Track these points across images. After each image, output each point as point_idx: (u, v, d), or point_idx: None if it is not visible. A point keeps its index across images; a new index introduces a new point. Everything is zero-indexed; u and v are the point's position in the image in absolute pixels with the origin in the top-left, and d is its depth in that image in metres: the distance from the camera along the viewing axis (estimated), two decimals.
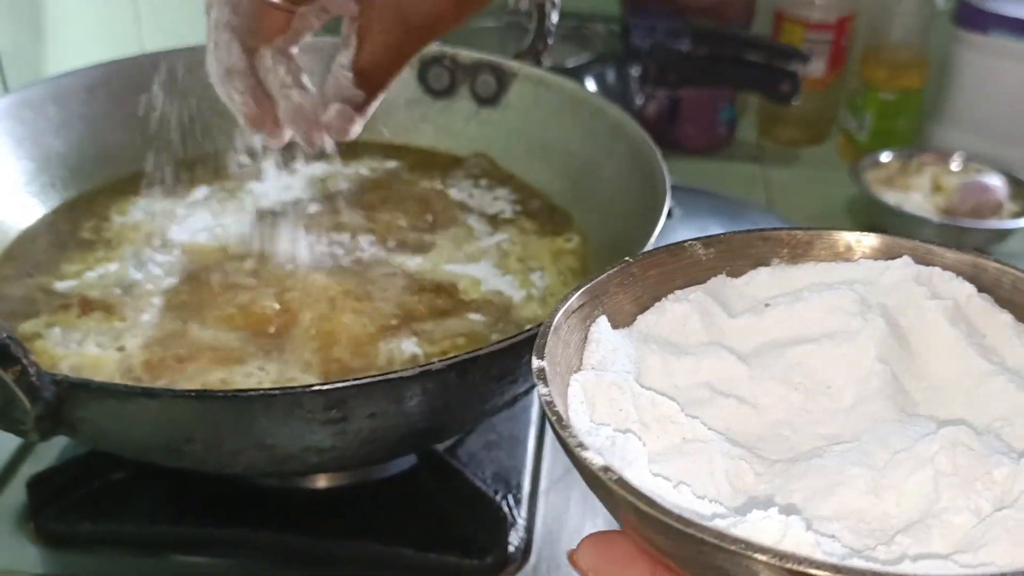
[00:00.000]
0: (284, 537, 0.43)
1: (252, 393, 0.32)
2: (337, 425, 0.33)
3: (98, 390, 0.32)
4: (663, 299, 0.26)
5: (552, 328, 0.23)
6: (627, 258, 0.26)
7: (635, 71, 1.05)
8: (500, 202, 0.53)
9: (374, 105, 0.39)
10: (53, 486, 0.43)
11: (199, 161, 0.55)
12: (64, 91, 0.52)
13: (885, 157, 1.05)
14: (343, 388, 0.32)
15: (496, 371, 0.35)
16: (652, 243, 0.40)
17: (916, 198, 0.97)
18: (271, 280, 0.45)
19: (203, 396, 0.32)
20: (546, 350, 0.22)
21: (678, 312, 0.26)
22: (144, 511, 0.43)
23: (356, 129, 0.38)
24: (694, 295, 0.26)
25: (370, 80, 0.37)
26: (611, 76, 1.04)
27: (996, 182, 0.96)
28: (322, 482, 0.45)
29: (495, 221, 0.51)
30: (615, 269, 0.26)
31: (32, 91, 0.51)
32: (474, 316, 0.43)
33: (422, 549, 0.42)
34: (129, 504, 0.44)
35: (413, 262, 0.47)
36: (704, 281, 0.27)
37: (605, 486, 0.19)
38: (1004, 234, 0.97)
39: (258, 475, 0.43)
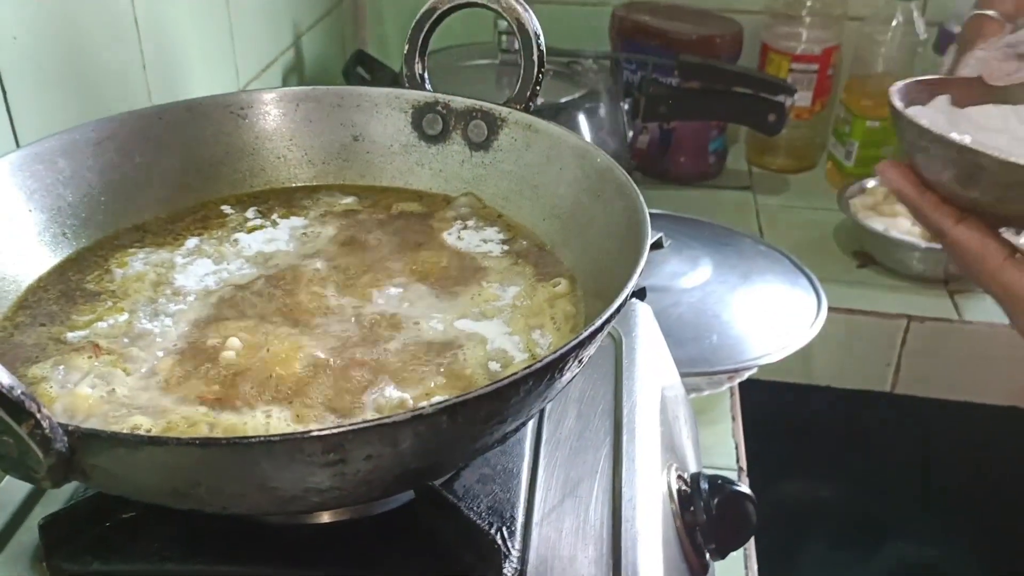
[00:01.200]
0: (289, 572, 0.44)
1: (253, 440, 0.33)
2: (336, 467, 0.35)
3: (108, 439, 0.34)
4: None
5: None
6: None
7: (626, 105, 1.07)
8: (489, 244, 0.55)
9: None
10: (65, 527, 0.45)
11: (188, 212, 0.58)
12: (73, 144, 0.54)
13: (871, 183, 1.08)
14: (341, 433, 0.33)
15: (484, 413, 0.37)
16: (634, 282, 0.42)
17: (903, 223, 1.00)
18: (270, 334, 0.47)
19: (207, 443, 0.34)
20: None
21: None
22: (153, 549, 0.45)
23: None
24: None
25: None
26: (602, 111, 1.07)
27: None
28: (324, 518, 0.46)
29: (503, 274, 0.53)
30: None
31: (43, 145, 0.53)
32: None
33: None
34: (139, 543, 0.45)
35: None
36: None
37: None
38: None
39: (262, 514, 0.44)
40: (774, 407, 1.01)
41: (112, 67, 0.71)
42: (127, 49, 0.73)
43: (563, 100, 1.04)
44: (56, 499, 0.48)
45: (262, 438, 0.33)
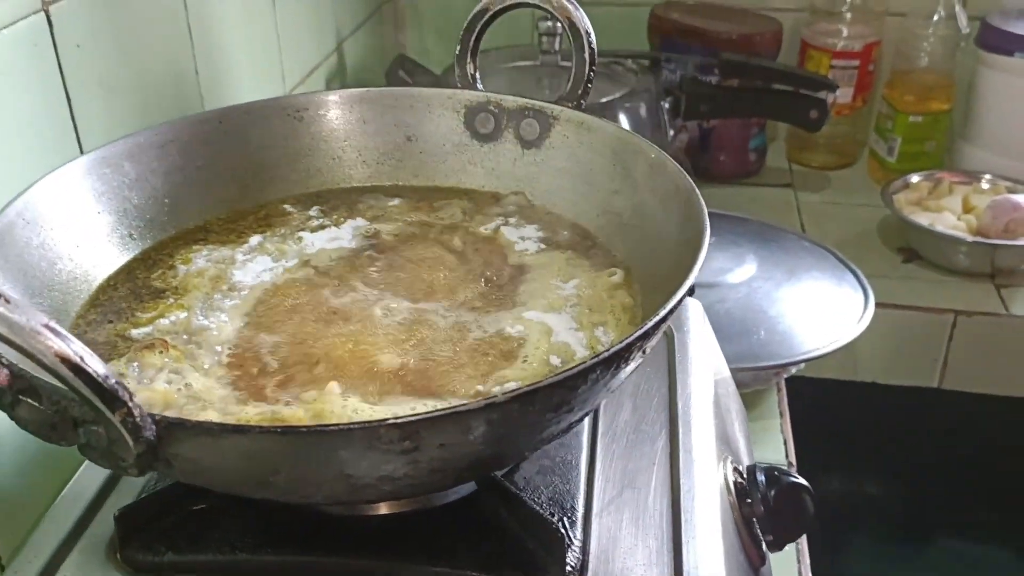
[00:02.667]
0: (359, 562, 0.45)
1: (333, 428, 0.34)
2: (410, 455, 0.36)
3: (193, 428, 0.35)
4: None
5: None
6: None
7: (666, 104, 1.08)
8: (527, 241, 0.56)
9: None
10: (139, 518, 0.46)
11: (251, 212, 0.59)
12: (138, 148, 0.56)
13: (915, 178, 1.07)
14: (417, 421, 0.34)
15: (555, 402, 0.37)
16: (694, 274, 0.43)
17: (948, 218, 0.99)
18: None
19: (288, 432, 0.35)
20: None
21: None
22: (224, 540, 0.46)
23: None
24: None
25: None
26: (643, 110, 1.07)
27: None
28: (393, 508, 0.47)
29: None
30: None
31: (109, 149, 0.55)
32: None
33: (485, 570, 0.44)
34: (211, 533, 0.46)
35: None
36: None
37: None
38: None
39: (334, 503, 0.45)
40: (821, 404, 1.01)
41: (168, 74, 0.73)
42: (181, 56, 0.75)
43: (604, 100, 1.05)
44: (128, 492, 0.50)
45: (341, 426, 0.34)
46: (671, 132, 1.08)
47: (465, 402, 0.35)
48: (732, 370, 0.76)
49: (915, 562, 1.14)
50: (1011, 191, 1.02)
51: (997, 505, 1.05)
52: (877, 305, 0.95)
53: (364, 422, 0.34)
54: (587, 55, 0.59)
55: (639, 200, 0.55)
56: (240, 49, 0.85)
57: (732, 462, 0.56)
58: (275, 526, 0.47)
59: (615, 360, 0.38)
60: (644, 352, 0.42)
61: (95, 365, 0.31)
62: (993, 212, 0.97)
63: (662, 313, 0.40)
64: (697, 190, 0.50)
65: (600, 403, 0.46)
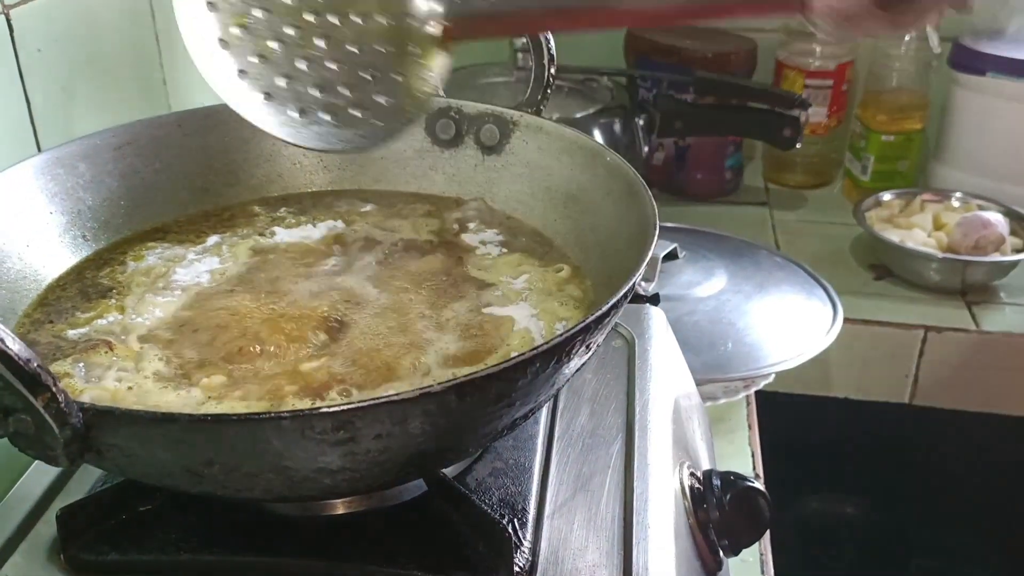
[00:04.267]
0: (303, 563, 0.45)
1: (264, 416, 0.34)
2: (346, 446, 0.35)
3: (123, 416, 0.34)
4: None
5: None
6: None
7: (640, 121, 1.08)
8: (488, 245, 0.56)
9: None
10: (82, 519, 0.46)
11: (212, 215, 0.59)
12: (94, 149, 0.56)
13: (887, 196, 1.08)
14: (350, 410, 0.34)
15: (493, 394, 0.37)
16: (640, 271, 0.43)
17: (919, 235, 0.99)
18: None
19: (219, 420, 0.35)
20: None
21: None
22: (170, 540, 0.46)
23: None
24: None
25: None
26: (617, 126, 1.08)
27: (996, 218, 0.98)
28: (340, 509, 0.47)
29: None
30: None
31: (64, 149, 0.55)
32: None
33: (433, 571, 0.44)
34: (154, 534, 0.46)
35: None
36: None
37: None
38: (1007, 268, 0.99)
39: (276, 499, 0.45)
40: (793, 420, 1.01)
41: (134, 80, 0.73)
42: (149, 65, 0.75)
43: (578, 115, 1.06)
44: (77, 493, 0.49)
45: (273, 414, 0.34)
46: (645, 148, 1.09)
47: (399, 393, 0.35)
48: (700, 382, 0.76)
49: None
50: (982, 208, 1.03)
51: (970, 523, 1.04)
52: (849, 321, 0.95)
53: (296, 410, 0.34)
54: (546, 61, 0.59)
55: (596, 203, 0.55)
56: None
57: (689, 467, 0.55)
58: (221, 527, 0.47)
59: (555, 353, 0.38)
60: (588, 348, 0.41)
61: (16, 348, 0.31)
62: (963, 229, 0.98)
63: (603, 308, 0.40)
64: (648, 191, 0.50)
65: (546, 400, 0.45)
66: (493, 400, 0.38)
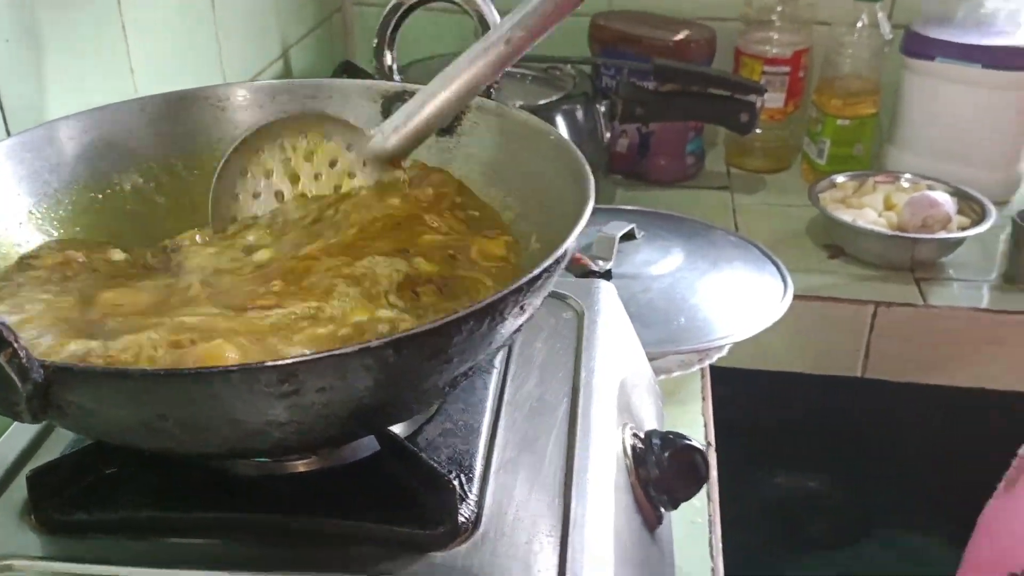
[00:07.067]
0: (261, 517, 0.48)
1: (214, 369, 0.37)
2: (291, 399, 0.38)
3: (80, 372, 0.37)
4: None
5: None
6: None
7: (602, 108, 1.11)
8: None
9: None
10: (51, 480, 0.48)
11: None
12: (59, 133, 0.58)
13: (840, 179, 1.11)
14: (294, 363, 0.37)
15: (429, 350, 0.40)
16: (572, 237, 0.45)
17: (870, 215, 1.03)
18: None
19: (171, 375, 0.38)
20: None
21: None
22: (134, 500, 0.48)
23: None
24: None
25: None
26: (580, 113, 1.11)
27: (944, 197, 1.02)
28: (299, 468, 0.50)
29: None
30: None
31: (30, 134, 0.57)
32: None
33: (384, 522, 0.47)
34: (120, 495, 0.48)
35: None
36: None
37: None
38: (953, 245, 1.02)
39: (233, 454, 0.47)
40: (753, 396, 1.04)
41: (102, 74, 0.76)
42: (116, 59, 0.78)
43: (541, 102, 1.09)
44: (45, 457, 0.52)
45: (221, 368, 0.37)
46: (607, 133, 1.12)
47: (341, 347, 0.38)
48: (655, 354, 0.79)
49: (850, 552, 1.17)
50: (931, 189, 1.06)
51: (925, 492, 1.08)
52: (803, 298, 0.99)
53: (243, 364, 0.37)
54: None
55: (540, 179, 0.58)
56: (178, 52, 0.88)
57: (632, 429, 0.58)
58: (185, 487, 0.49)
59: (489, 312, 0.41)
60: (522, 309, 0.44)
61: None
62: (911, 208, 1.01)
63: (534, 272, 0.43)
64: (587, 165, 0.53)
65: (486, 357, 0.48)
66: (429, 356, 0.41)
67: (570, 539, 0.47)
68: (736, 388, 1.03)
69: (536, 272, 0.43)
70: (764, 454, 1.15)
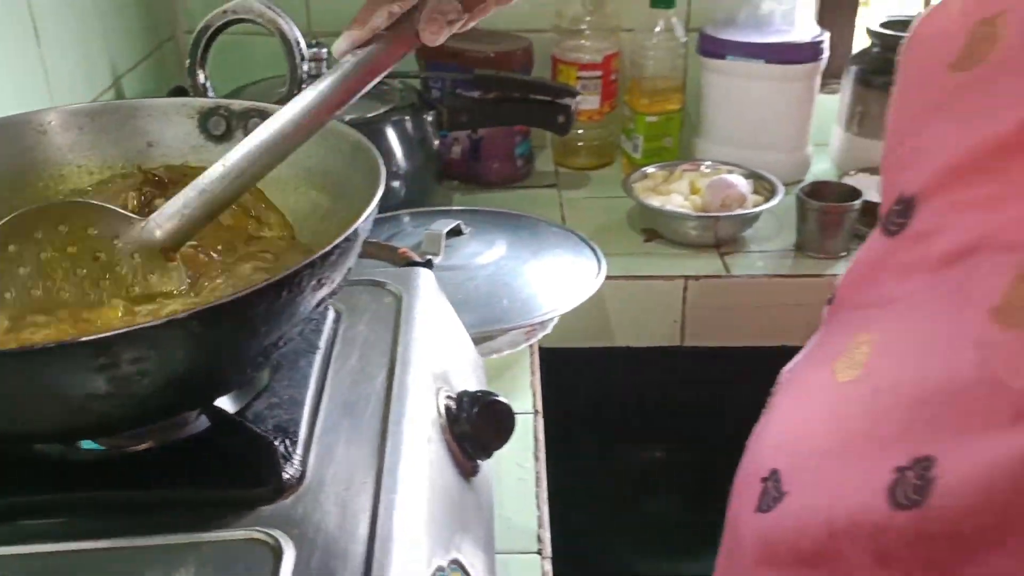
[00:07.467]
0: (102, 494, 0.52)
1: (37, 347, 0.42)
2: (109, 371, 0.43)
3: None
4: None
5: None
6: None
7: (429, 117, 1.19)
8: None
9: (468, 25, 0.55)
10: None
11: None
12: None
13: (651, 169, 1.22)
14: (108, 336, 0.42)
15: (233, 321, 0.46)
16: (364, 217, 0.52)
17: (677, 199, 1.14)
18: None
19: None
20: None
21: None
22: None
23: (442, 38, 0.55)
24: None
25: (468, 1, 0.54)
26: (408, 123, 1.18)
27: (738, 179, 1.13)
28: (139, 446, 0.54)
29: None
30: None
31: None
32: None
33: (214, 488, 0.52)
34: None
35: None
36: None
37: None
38: (750, 220, 1.14)
39: (65, 432, 0.51)
40: (583, 373, 1.13)
41: None
42: None
43: (371, 115, 1.15)
44: None
45: (42, 345, 0.42)
46: (436, 141, 1.20)
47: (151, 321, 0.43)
48: (483, 333, 0.87)
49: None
50: (729, 172, 1.18)
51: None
52: (624, 278, 1.09)
53: (60, 341, 0.42)
54: (298, 60, 0.68)
55: (344, 177, 0.64)
56: (2, 84, 0.90)
57: (446, 392, 0.65)
58: (28, 469, 0.53)
59: (284, 285, 0.47)
60: (320, 283, 0.51)
61: None
62: (711, 191, 1.13)
63: (327, 248, 0.49)
64: (380, 158, 0.60)
65: (290, 329, 0.53)
66: (234, 326, 0.47)
67: (383, 484, 0.53)
68: (574, 367, 1.12)
69: (327, 249, 0.49)
70: (609, 425, 1.24)
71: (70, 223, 0.53)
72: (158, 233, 0.54)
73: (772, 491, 0.53)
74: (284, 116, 0.55)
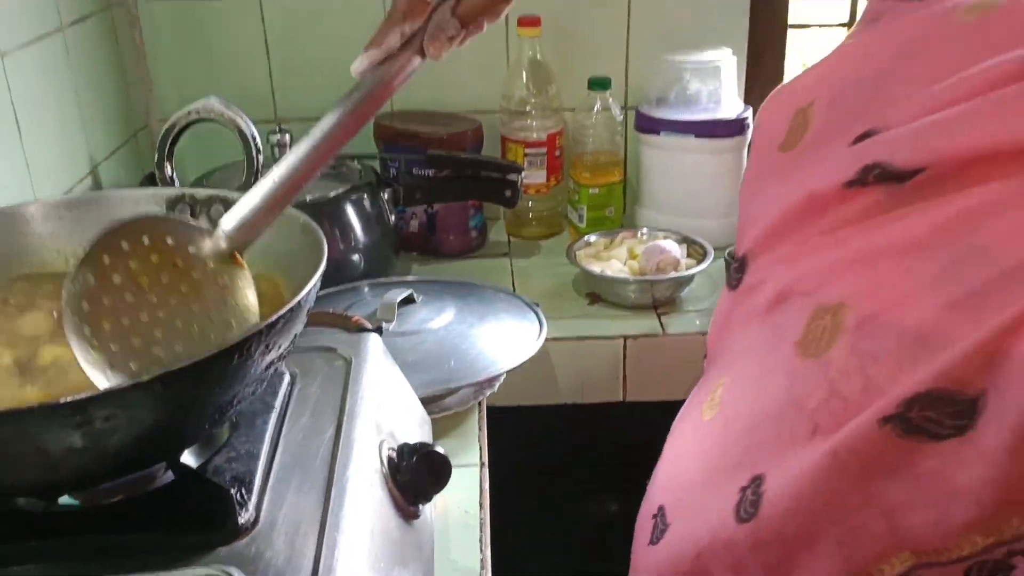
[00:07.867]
0: (80, 539, 0.59)
1: (24, 408, 0.49)
2: (84, 427, 0.51)
3: None
4: None
5: None
6: None
7: (386, 195, 1.28)
8: None
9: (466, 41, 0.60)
10: None
11: None
12: None
13: (593, 238, 1.31)
14: (83, 399, 0.50)
15: (191, 381, 0.54)
16: (307, 289, 0.60)
17: (616, 265, 1.23)
18: None
19: None
20: None
21: None
22: None
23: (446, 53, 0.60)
24: None
25: (464, 20, 0.59)
26: (366, 201, 1.27)
27: (671, 245, 1.23)
28: (112, 499, 0.61)
29: None
30: None
31: None
32: None
33: (174, 532, 0.59)
34: None
35: None
36: None
37: None
38: (683, 282, 1.23)
39: (45, 485, 0.59)
40: (532, 431, 1.21)
41: None
42: None
43: (331, 194, 1.24)
44: None
45: (27, 406, 0.49)
46: (393, 217, 1.29)
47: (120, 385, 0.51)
48: (432, 393, 0.94)
49: None
50: (665, 239, 1.28)
51: None
52: (567, 339, 1.18)
53: (43, 404, 0.50)
54: (253, 153, 0.77)
55: (297, 257, 0.73)
56: None
57: (389, 445, 0.73)
58: (12, 520, 0.60)
59: (237, 349, 0.55)
60: (268, 348, 0.59)
61: None
62: (647, 256, 1.22)
63: (272, 318, 0.57)
64: (322, 235, 0.68)
65: (250, 387, 0.61)
66: (192, 386, 0.54)
67: (328, 525, 0.61)
68: (523, 423, 1.19)
69: (273, 318, 0.57)
70: (556, 476, 1.31)
71: (151, 235, 0.61)
72: (224, 242, 0.63)
73: (660, 525, 0.60)
74: (324, 126, 0.62)
